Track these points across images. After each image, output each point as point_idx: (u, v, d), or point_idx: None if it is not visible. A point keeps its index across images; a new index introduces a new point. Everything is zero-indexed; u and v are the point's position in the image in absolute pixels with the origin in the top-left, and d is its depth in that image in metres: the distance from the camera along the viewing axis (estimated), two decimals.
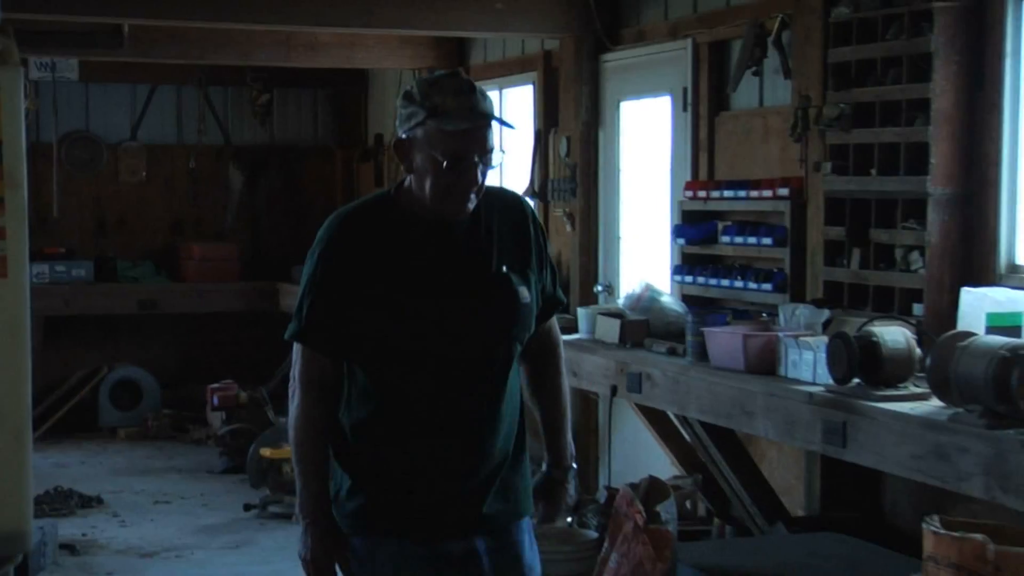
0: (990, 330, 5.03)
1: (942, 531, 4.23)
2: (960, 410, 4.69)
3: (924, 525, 4.34)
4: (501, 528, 3.81)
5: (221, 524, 8.47)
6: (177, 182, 12.63)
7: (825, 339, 5.37)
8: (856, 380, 5.15)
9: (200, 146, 12.66)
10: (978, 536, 4.14)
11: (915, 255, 5.81)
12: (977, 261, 5.69)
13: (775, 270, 6.71)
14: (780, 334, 5.76)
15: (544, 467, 4.01)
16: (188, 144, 12.66)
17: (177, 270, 12.27)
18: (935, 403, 4.88)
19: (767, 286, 6.67)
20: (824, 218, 6.30)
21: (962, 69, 5.67)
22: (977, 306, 5.19)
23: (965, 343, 4.73)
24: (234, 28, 9.48)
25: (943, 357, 4.75)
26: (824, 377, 5.31)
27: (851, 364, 5.14)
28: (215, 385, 10.32)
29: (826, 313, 5.78)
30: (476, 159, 3.57)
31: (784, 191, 6.63)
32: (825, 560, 5.46)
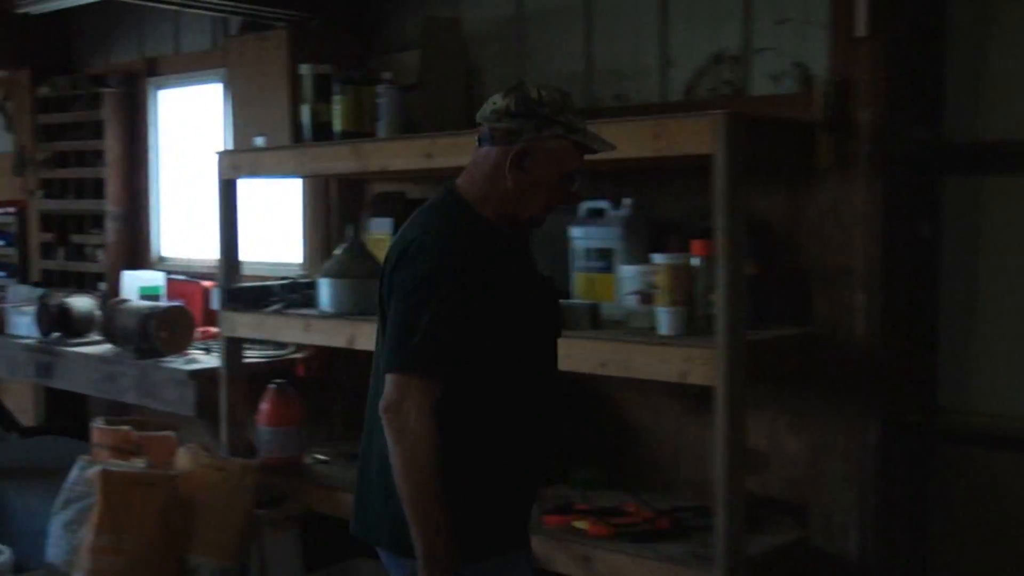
0: (142, 297, 5.16)
1: (102, 426, 4.46)
2: (121, 349, 4.82)
3: (91, 423, 4.56)
4: None
5: None
6: None
7: (34, 307, 5.31)
8: (56, 334, 5.19)
9: None
10: (124, 427, 4.37)
11: (100, 251, 5.89)
12: (138, 254, 5.82)
13: (8, 263, 6.54)
14: (7, 305, 5.67)
15: None
16: None
17: None
18: (108, 346, 4.94)
19: (3, 274, 6.50)
20: (40, 227, 6.23)
21: (125, 131, 5.79)
22: (135, 282, 5.31)
23: (124, 306, 4.88)
24: None
25: (111, 315, 4.88)
26: (35, 332, 5.27)
27: (51, 323, 5.19)
28: None
29: (40, 291, 5.69)
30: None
31: (12, 209, 6.46)
32: (46, 453, 5.52)
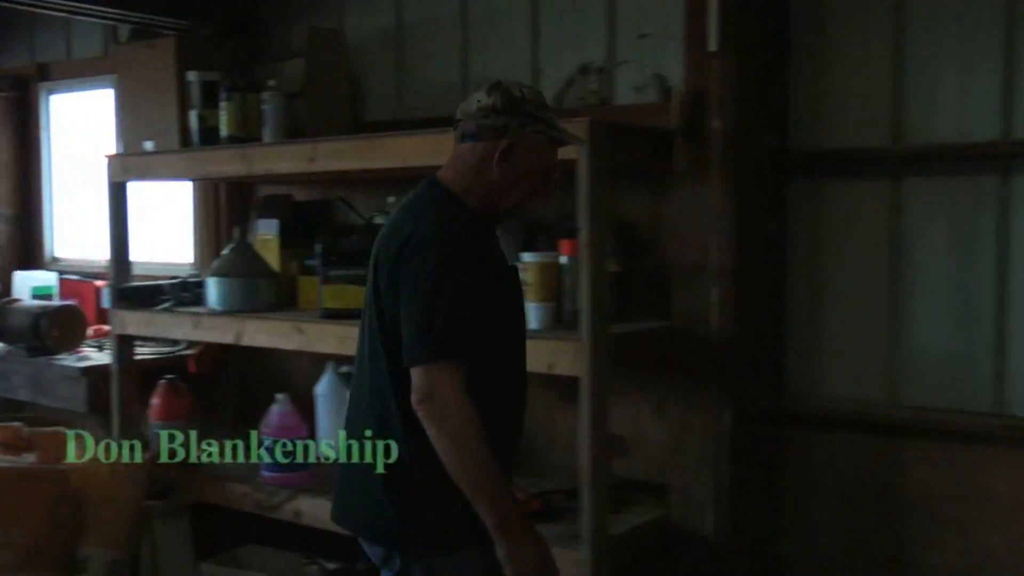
0: (35, 297, 5.04)
1: None
2: (13, 347, 4.70)
3: None
4: None
5: None
6: None
7: None
8: None
9: None
10: (14, 423, 4.23)
11: None
12: (31, 255, 5.67)
13: None
14: None
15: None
16: None
17: None
18: (0, 345, 4.75)
19: None
20: None
21: (16, 135, 5.62)
22: (27, 282, 5.20)
23: (16, 305, 4.75)
24: None
25: (2, 315, 4.72)
26: None
27: None
28: None
29: None
30: None
31: None
32: None
